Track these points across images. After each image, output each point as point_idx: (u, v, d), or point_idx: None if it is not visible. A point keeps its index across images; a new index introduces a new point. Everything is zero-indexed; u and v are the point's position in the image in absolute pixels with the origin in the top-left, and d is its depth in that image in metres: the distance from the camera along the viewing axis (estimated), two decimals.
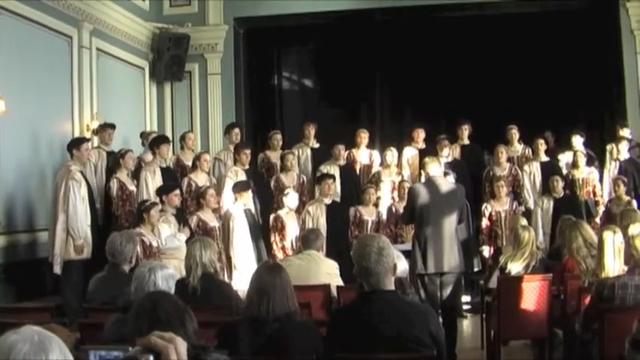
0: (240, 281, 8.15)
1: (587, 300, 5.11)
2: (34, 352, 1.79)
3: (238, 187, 9.23)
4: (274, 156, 11.05)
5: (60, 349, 1.84)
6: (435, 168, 7.42)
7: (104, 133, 9.76)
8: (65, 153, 9.11)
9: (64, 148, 9.23)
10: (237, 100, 13.07)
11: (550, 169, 10.34)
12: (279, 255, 9.11)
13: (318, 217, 9.47)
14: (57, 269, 8.32)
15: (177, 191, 8.68)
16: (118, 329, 3.77)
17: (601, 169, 10.64)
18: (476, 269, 9.87)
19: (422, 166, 7.40)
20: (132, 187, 9.12)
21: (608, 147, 10.76)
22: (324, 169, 10.55)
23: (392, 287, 3.76)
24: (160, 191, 8.59)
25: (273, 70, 14.61)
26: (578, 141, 10.85)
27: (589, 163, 10.54)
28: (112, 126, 9.86)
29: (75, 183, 8.30)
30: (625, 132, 10.85)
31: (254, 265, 8.29)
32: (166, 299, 3.02)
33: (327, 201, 9.64)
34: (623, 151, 10.47)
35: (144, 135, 10.93)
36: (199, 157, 9.99)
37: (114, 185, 9.00)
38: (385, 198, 10.45)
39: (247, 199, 9.23)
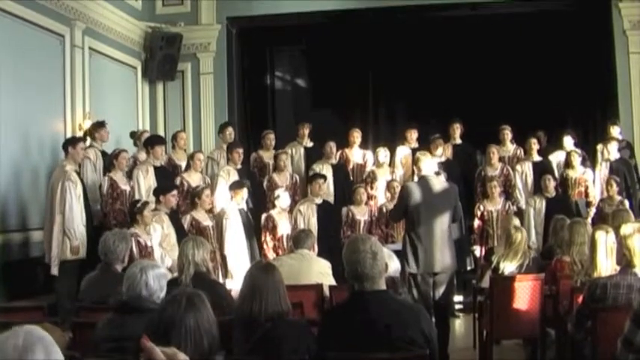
0: (234, 280, 8.14)
1: (580, 300, 5.11)
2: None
3: (234, 186, 9.24)
4: (267, 156, 11.01)
5: (45, 352, 1.82)
6: (428, 163, 7.31)
7: (100, 132, 9.69)
8: (57, 152, 9.07)
9: (55, 147, 9.20)
10: (230, 100, 13.05)
11: (542, 169, 10.31)
12: (270, 255, 9.10)
13: (309, 216, 9.45)
14: (54, 270, 8.32)
15: (175, 192, 8.67)
16: (110, 330, 3.76)
17: (592, 169, 10.63)
18: (468, 268, 9.88)
19: (414, 161, 7.30)
20: (124, 187, 9.08)
21: (599, 147, 10.74)
22: (317, 167, 10.54)
23: (384, 287, 3.75)
24: (158, 191, 8.57)
25: (266, 69, 14.60)
26: (569, 141, 10.86)
27: (582, 163, 10.53)
28: (103, 123, 9.80)
29: (71, 184, 8.29)
30: (615, 130, 10.84)
31: (247, 264, 8.28)
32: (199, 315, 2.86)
33: (318, 200, 9.63)
34: (612, 151, 10.40)
35: (136, 135, 10.88)
36: (193, 156, 9.96)
37: (105, 183, 8.97)
38: (381, 198, 10.43)
39: (241, 198, 9.21)
